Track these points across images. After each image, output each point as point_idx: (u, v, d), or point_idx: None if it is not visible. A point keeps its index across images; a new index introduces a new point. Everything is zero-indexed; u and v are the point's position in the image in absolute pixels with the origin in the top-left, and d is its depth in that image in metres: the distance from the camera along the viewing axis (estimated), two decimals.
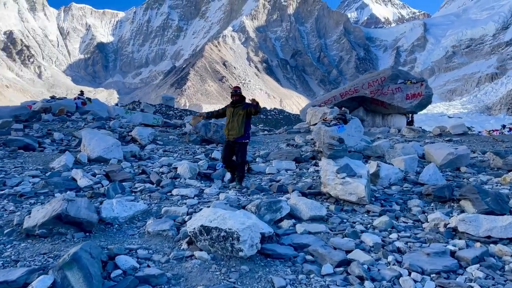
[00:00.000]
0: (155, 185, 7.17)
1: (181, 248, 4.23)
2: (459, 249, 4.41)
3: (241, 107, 7.39)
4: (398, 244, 4.52)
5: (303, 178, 8.12)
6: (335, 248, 4.28)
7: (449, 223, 5.16)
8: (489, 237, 4.73)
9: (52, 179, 6.84)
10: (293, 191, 6.78)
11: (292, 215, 5.47)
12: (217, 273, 3.67)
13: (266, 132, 18.67)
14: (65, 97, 21.11)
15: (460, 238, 4.83)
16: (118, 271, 3.56)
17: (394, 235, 4.85)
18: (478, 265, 3.97)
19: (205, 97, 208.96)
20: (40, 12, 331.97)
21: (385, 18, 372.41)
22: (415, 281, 3.63)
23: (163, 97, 59.69)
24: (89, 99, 19.99)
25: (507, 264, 4.12)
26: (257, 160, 10.32)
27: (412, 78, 23.28)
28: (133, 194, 6.50)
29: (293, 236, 4.64)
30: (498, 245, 4.50)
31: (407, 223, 5.57)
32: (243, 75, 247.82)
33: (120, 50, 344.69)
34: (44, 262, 3.74)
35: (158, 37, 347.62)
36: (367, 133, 16.40)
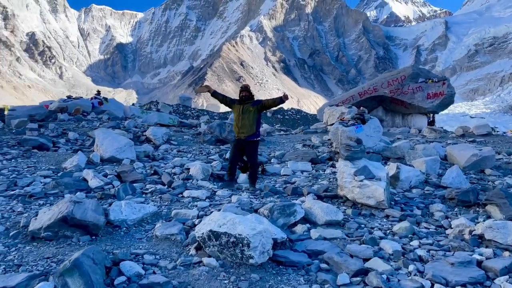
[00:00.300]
0: (166, 186, 7.02)
1: (189, 253, 4.05)
2: (486, 258, 4.10)
3: (251, 104, 7.01)
4: (420, 252, 4.24)
5: (319, 180, 7.86)
6: (351, 256, 4.03)
7: (474, 230, 4.85)
8: None
9: (63, 179, 6.77)
10: (308, 194, 6.52)
11: (307, 219, 5.24)
12: (225, 281, 3.47)
13: (282, 132, 18.41)
14: (81, 97, 21.26)
15: (487, 246, 4.53)
16: (122, 278, 3.41)
17: (415, 242, 4.57)
18: (507, 276, 3.66)
19: None
20: (61, 13, 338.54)
21: (405, 16, 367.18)
22: None
23: (181, 97, 60.22)
24: (106, 99, 20.09)
25: None
26: (272, 161, 10.10)
27: (433, 77, 22.63)
28: (143, 195, 6.35)
29: (307, 242, 4.41)
30: None
31: (429, 229, 5.27)
32: (260, 75, 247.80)
33: (139, 51, 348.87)
34: (47, 267, 3.62)
35: (176, 38, 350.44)
36: (386, 134, 15.97)
